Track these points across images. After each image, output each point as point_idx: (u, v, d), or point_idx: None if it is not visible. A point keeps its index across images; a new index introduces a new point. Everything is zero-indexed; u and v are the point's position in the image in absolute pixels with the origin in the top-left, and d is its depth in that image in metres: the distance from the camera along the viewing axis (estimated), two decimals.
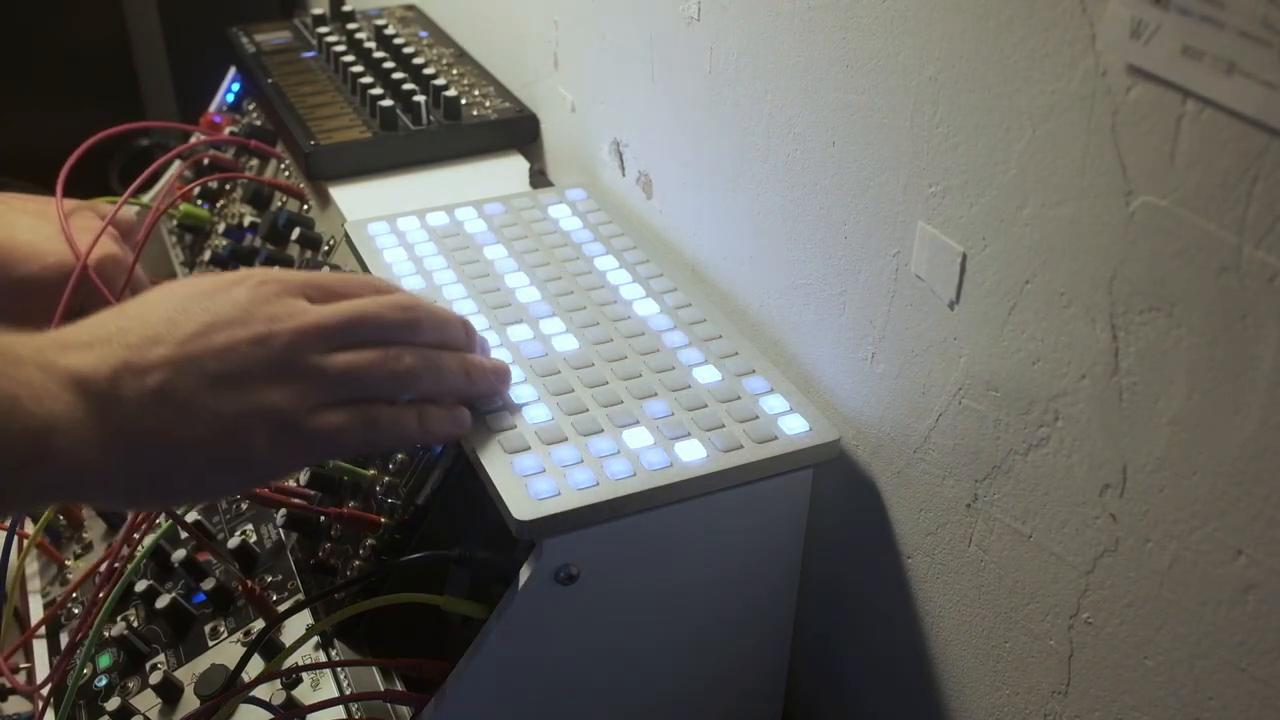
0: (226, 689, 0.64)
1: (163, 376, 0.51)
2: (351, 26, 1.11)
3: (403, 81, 0.98)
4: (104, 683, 0.70)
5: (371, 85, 0.98)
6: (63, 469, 0.49)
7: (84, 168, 0.82)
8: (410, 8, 1.20)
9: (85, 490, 0.53)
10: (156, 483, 0.53)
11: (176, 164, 1.03)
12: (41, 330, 0.53)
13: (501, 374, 0.62)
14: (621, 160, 0.87)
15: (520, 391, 0.64)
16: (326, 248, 0.88)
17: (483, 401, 0.62)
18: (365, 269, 0.77)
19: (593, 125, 0.90)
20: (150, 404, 0.51)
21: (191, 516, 0.76)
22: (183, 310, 0.54)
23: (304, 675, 0.65)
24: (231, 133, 1.06)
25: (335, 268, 0.81)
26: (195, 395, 0.52)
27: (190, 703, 0.66)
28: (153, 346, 0.52)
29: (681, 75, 0.76)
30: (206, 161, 1.03)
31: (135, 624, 0.72)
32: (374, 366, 0.56)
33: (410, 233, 0.80)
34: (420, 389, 0.58)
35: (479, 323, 0.70)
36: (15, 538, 0.77)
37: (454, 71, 1.05)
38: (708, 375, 0.66)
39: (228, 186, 1.04)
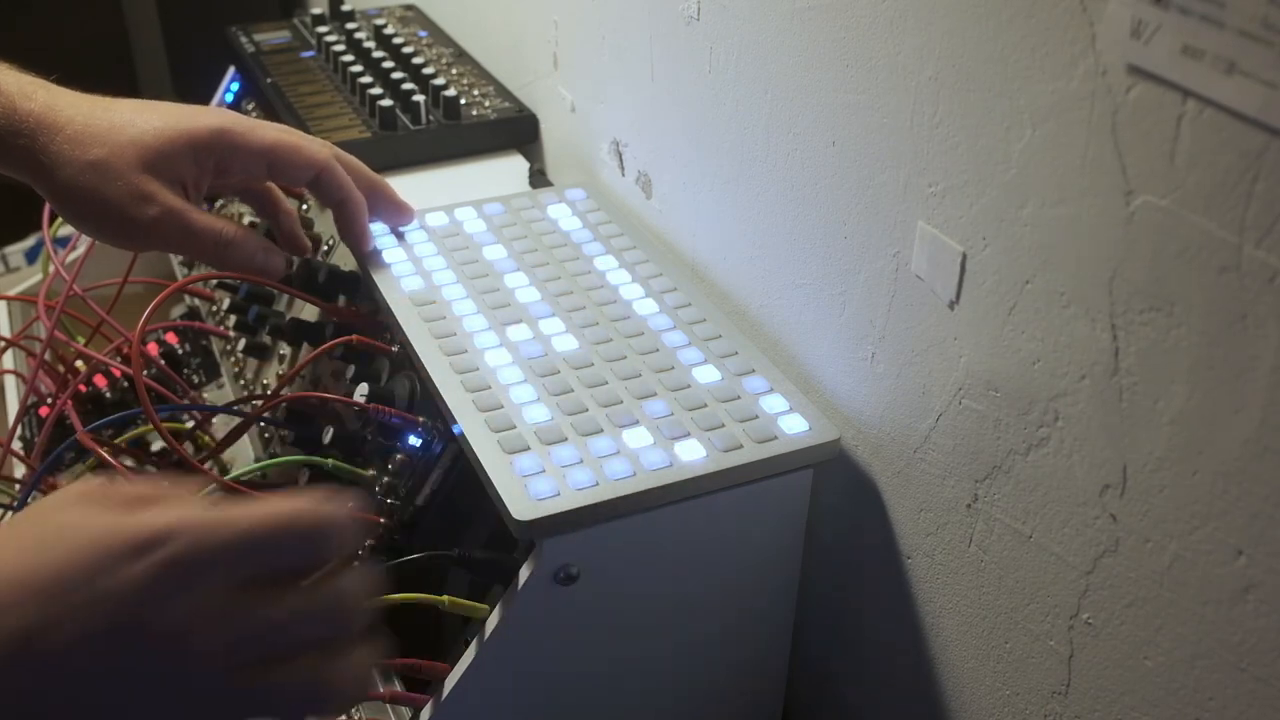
0: None
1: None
2: (351, 26, 1.11)
3: (402, 81, 0.98)
4: None
5: (371, 85, 0.98)
6: None
7: None
8: (410, 8, 1.20)
9: None
10: None
11: None
12: None
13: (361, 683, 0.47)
14: (621, 160, 0.87)
15: (520, 391, 0.64)
16: (326, 248, 0.88)
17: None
18: (365, 269, 0.77)
19: (593, 125, 0.90)
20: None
21: None
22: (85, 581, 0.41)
23: None
24: None
25: (335, 267, 0.81)
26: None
27: None
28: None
29: (681, 75, 0.76)
30: None
31: None
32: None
33: (410, 233, 0.80)
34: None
35: (479, 323, 0.70)
36: None
37: (454, 71, 1.05)
38: (707, 375, 0.66)
39: None
